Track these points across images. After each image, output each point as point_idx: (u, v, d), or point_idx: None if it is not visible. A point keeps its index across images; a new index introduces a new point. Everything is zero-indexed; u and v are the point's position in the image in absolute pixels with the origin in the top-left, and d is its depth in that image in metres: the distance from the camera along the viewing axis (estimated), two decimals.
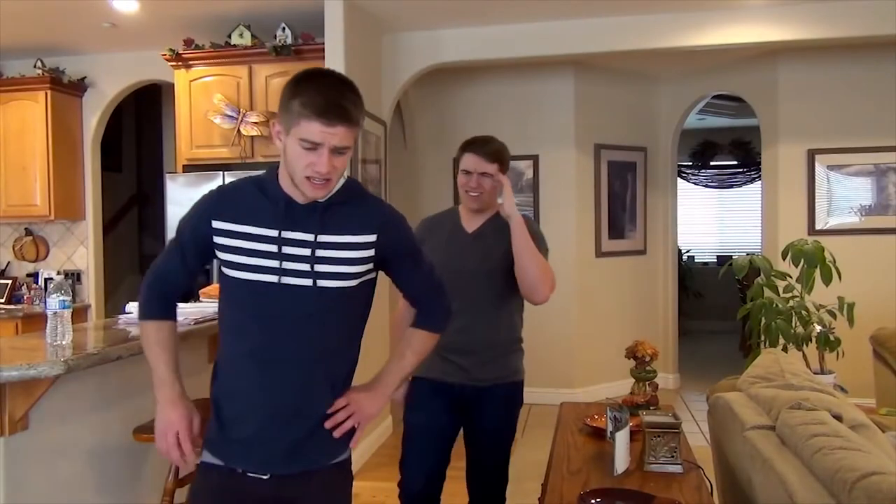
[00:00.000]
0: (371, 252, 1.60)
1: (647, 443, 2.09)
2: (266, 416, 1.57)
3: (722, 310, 8.71)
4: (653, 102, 6.14)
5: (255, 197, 1.58)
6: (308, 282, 1.54)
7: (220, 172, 4.13)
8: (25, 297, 5.08)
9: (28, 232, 5.34)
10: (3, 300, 5.08)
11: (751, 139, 8.67)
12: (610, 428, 2.31)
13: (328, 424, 1.60)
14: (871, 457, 1.50)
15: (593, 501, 1.82)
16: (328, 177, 1.49)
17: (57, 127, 4.98)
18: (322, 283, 1.55)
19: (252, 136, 4.21)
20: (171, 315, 1.69)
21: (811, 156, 5.28)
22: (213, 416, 1.62)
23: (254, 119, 4.17)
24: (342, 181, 1.60)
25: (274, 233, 1.54)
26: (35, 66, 4.98)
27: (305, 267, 1.54)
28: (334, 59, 4.05)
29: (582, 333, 5.69)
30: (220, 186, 1.67)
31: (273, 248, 1.53)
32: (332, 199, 1.57)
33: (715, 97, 6.75)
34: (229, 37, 4.36)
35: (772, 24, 4.39)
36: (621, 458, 2.03)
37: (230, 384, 1.61)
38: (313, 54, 4.18)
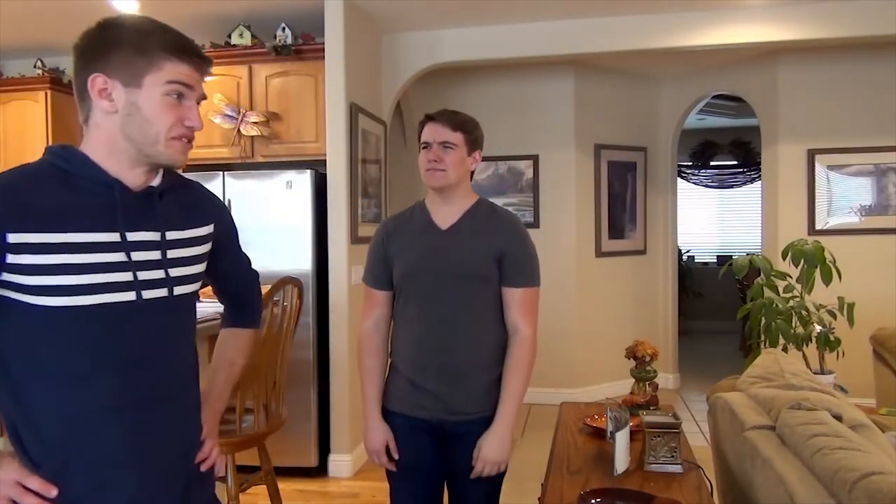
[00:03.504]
0: (209, 246, 1.37)
1: (647, 443, 2.09)
2: (139, 482, 1.23)
3: (722, 310, 8.71)
4: (653, 102, 6.14)
5: (60, 190, 1.16)
6: (164, 292, 1.24)
7: (221, 172, 4.13)
8: None
9: None
10: None
11: (751, 139, 8.68)
12: (610, 428, 2.31)
13: (198, 458, 1.37)
14: (871, 457, 1.50)
15: (593, 501, 1.81)
16: (194, 134, 1.25)
17: (57, 127, 4.97)
18: (178, 289, 1.27)
19: (252, 136, 4.21)
20: None
21: (811, 156, 5.28)
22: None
23: (254, 119, 4.17)
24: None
25: (114, 237, 1.17)
26: (35, 66, 4.98)
27: (159, 274, 1.23)
28: (334, 59, 4.05)
29: (582, 333, 5.69)
30: None
31: (119, 256, 1.18)
32: (163, 185, 1.27)
33: (715, 97, 6.74)
34: (229, 37, 4.36)
35: (772, 24, 4.39)
36: (621, 458, 2.03)
37: (80, 458, 1.19)
38: (313, 54, 4.18)
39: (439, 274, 1.96)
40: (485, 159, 6.56)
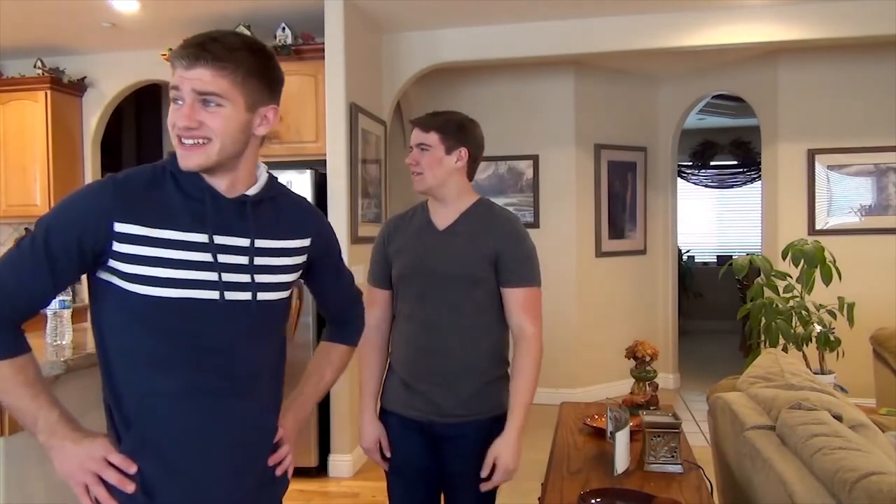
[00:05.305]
0: (304, 258, 1.42)
1: (647, 443, 2.09)
2: (205, 467, 1.29)
3: (722, 310, 8.71)
4: (653, 102, 6.14)
5: (170, 191, 1.27)
6: (248, 295, 1.30)
7: None
8: None
9: (28, 232, 5.34)
10: None
11: (751, 139, 8.68)
12: (610, 428, 2.31)
13: (272, 460, 1.42)
14: (871, 457, 1.50)
15: (593, 501, 1.81)
16: (194, 133, 1.22)
17: (57, 127, 4.97)
18: (262, 295, 1.33)
19: None
20: (27, 347, 1.26)
21: (811, 156, 5.28)
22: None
23: None
24: (264, 177, 1.36)
25: (203, 238, 1.26)
26: (35, 66, 4.98)
27: (245, 278, 1.30)
28: (334, 59, 4.05)
29: (582, 333, 5.69)
30: (112, 176, 1.26)
31: (207, 256, 1.26)
32: (260, 195, 1.34)
33: (715, 97, 6.75)
34: None
35: (772, 24, 4.39)
36: (621, 458, 2.03)
37: (153, 438, 1.26)
38: (313, 54, 4.18)
39: (432, 274, 1.95)
40: (485, 159, 6.55)
